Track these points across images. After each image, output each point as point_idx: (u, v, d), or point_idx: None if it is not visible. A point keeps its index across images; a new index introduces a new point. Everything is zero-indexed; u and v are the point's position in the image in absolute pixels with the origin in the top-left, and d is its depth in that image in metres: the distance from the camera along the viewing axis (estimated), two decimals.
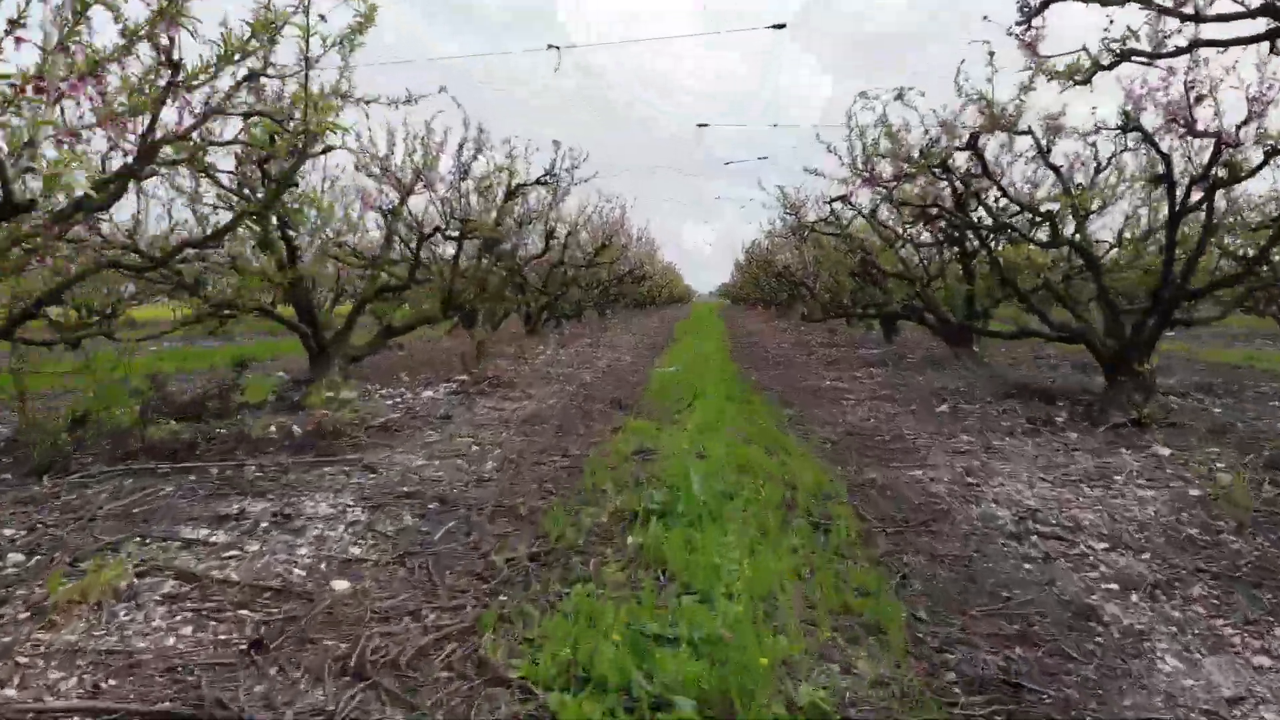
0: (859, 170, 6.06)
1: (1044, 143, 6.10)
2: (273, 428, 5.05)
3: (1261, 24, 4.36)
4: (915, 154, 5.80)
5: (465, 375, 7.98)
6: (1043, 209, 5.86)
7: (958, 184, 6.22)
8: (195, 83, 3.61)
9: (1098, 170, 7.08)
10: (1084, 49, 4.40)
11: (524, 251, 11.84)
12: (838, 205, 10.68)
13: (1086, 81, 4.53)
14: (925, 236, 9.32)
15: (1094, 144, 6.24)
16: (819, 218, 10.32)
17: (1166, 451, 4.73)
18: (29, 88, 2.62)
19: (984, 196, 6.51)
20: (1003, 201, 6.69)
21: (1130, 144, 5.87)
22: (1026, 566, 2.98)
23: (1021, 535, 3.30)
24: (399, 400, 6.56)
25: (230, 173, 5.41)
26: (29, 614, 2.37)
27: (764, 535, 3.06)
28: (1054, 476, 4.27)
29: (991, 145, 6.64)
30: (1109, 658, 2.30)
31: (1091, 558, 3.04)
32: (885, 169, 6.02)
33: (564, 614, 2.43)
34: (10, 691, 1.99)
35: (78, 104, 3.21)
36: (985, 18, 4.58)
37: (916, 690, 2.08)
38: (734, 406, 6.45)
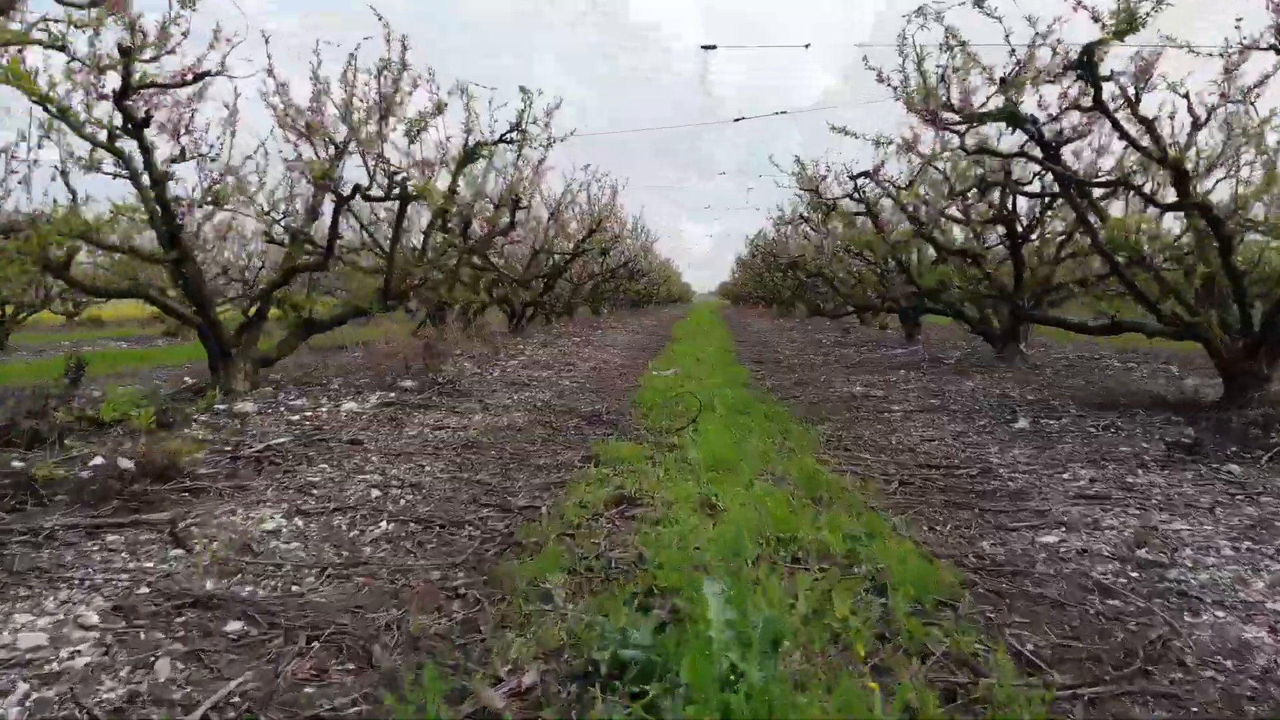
0: (918, 107, 4.52)
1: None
2: (84, 469, 3.48)
3: None
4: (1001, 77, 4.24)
5: (411, 381, 6.41)
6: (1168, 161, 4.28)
7: (1054, 126, 4.63)
8: None
9: (1205, 117, 5.48)
10: None
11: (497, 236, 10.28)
12: (863, 181, 9.15)
13: None
14: (976, 210, 7.74)
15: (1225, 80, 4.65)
16: (843, 193, 8.75)
17: None
18: None
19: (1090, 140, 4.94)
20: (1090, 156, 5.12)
21: None
22: None
23: None
24: (307, 416, 4.99)
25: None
26: None
27: None
28: (1276, 545, 2.70)
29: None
30: None
31: None
32: (953, 102, 4.46)
33: None
34: None
35: None
36: None
37: None
38: (749, 423, 4.89)
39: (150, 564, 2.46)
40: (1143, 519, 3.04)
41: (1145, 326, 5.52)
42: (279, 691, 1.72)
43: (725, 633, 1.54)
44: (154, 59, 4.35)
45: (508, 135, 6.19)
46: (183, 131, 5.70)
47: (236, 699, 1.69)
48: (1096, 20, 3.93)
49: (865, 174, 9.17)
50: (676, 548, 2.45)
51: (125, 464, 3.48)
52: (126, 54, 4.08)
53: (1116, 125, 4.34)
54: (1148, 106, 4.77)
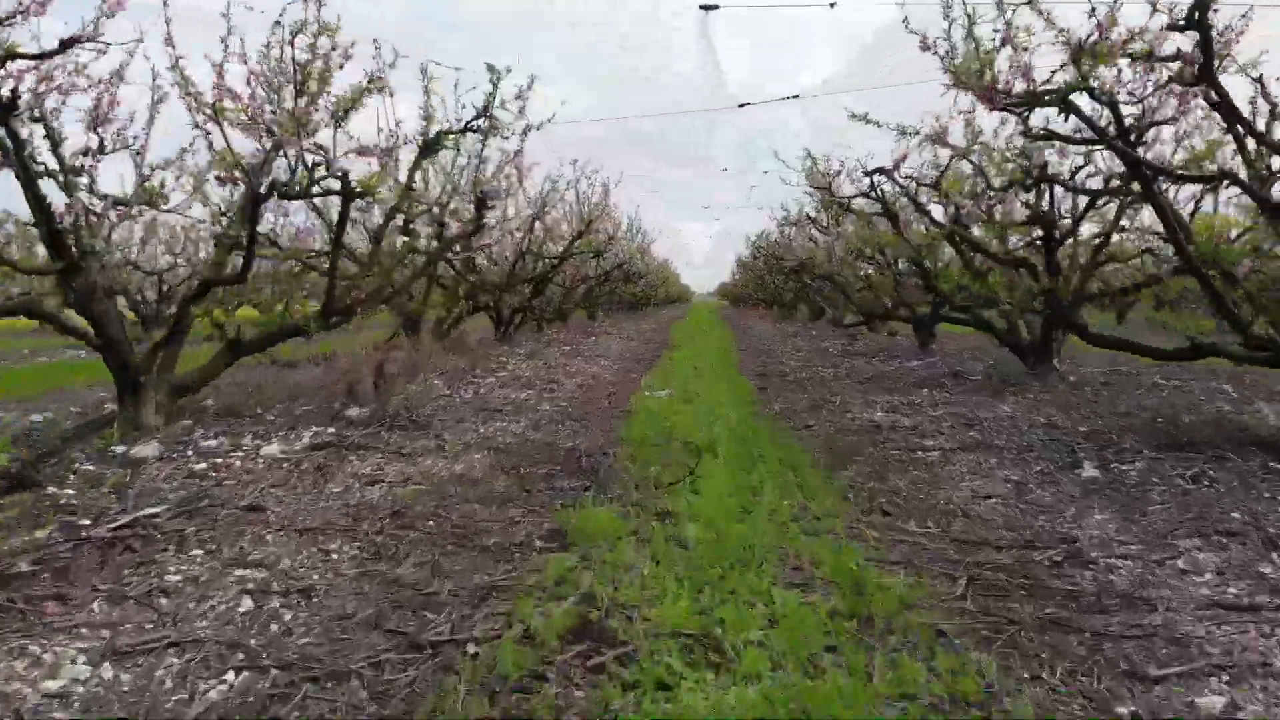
0: (969, 82, 3.60)
1: None
2: None
3: None
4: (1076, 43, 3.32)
5: (359, 409, 5.48)
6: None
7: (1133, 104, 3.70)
8: None
9: None
10: None
11: (483, 241, 9.35)
12: (879, 179, 8.23)
13: None
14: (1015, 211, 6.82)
15: None
16: (857, 191, 7.82)
17: None
18: None
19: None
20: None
21: None
22: None
23: None
24: (217, 463, 4.07)
25: None
26: None
27: None
28: None
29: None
30: None
31: None
32: (1009, 81, 3.55)
33: None
34: None
35: None
36: None
37: None
38: (760, 473, 3.97)
39: None
40: None
41: (1230, 352, 4.61)
42: None
43: None
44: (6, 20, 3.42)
45: (473, 123, 5.26)
46: (101, 120, 4.81)
47: None
48: None
49: (881, 170, 8.26)
50: None
51: None
52: None
53: (1227, 105, 3.43)
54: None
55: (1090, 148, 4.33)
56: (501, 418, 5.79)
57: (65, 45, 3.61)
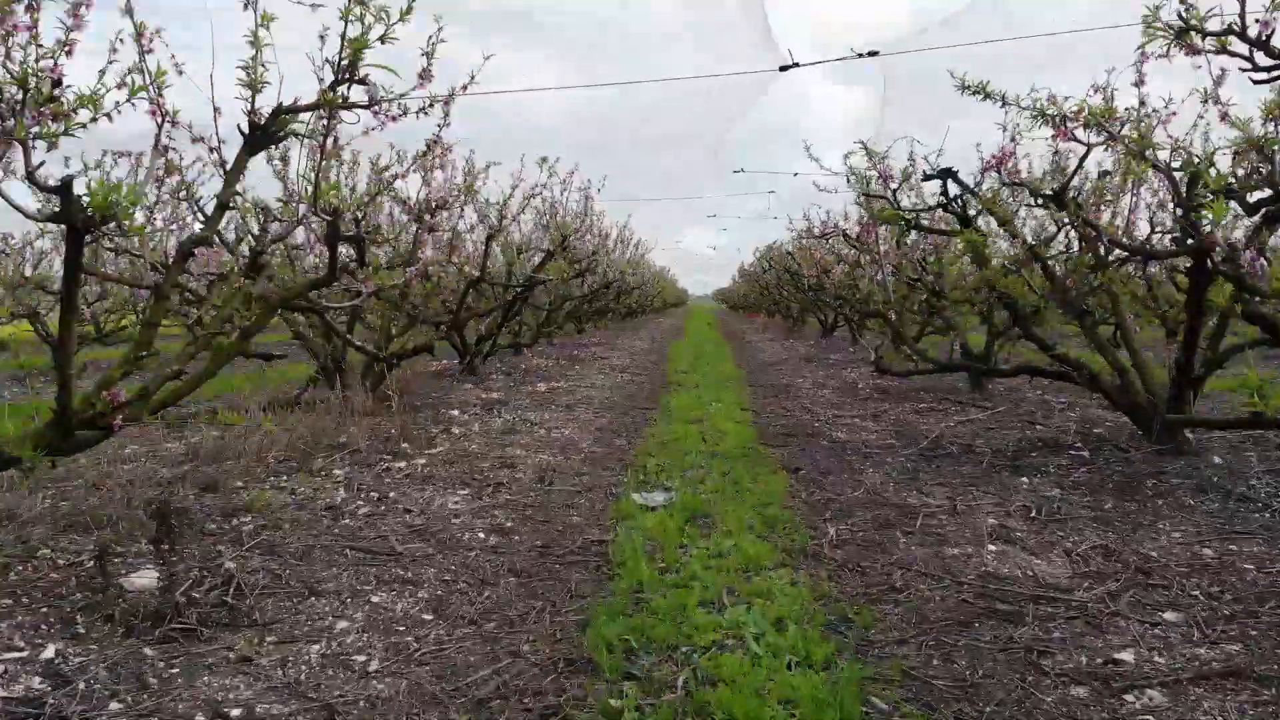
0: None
1: None
2: None
3: None
4: None
5: (152, 573, 3.25)
6: None
7: None
8: None
9: None
10: None
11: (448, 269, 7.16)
12: (952, 185, 5.99)
13: None
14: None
15: None
16: (930, 204, 5.60)
17: None
18: None
19: None
20: None
21: None
22: None
23: None
24: None
25: None
26: None
27: None
28: None
29: None
30: None
31: None
32: None
33: None
34: None
35: None
36: None
37: None
38: None
39: None
40: None
41: None
42: None
43: None
44: None
45: (333, 93, 3.06)
46: None
47: None
48: None
49: (948, 173, 6.04)
50: None
51: None
52: None
53: None
54: None
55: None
56: (392, 579, 3.55)
57: None
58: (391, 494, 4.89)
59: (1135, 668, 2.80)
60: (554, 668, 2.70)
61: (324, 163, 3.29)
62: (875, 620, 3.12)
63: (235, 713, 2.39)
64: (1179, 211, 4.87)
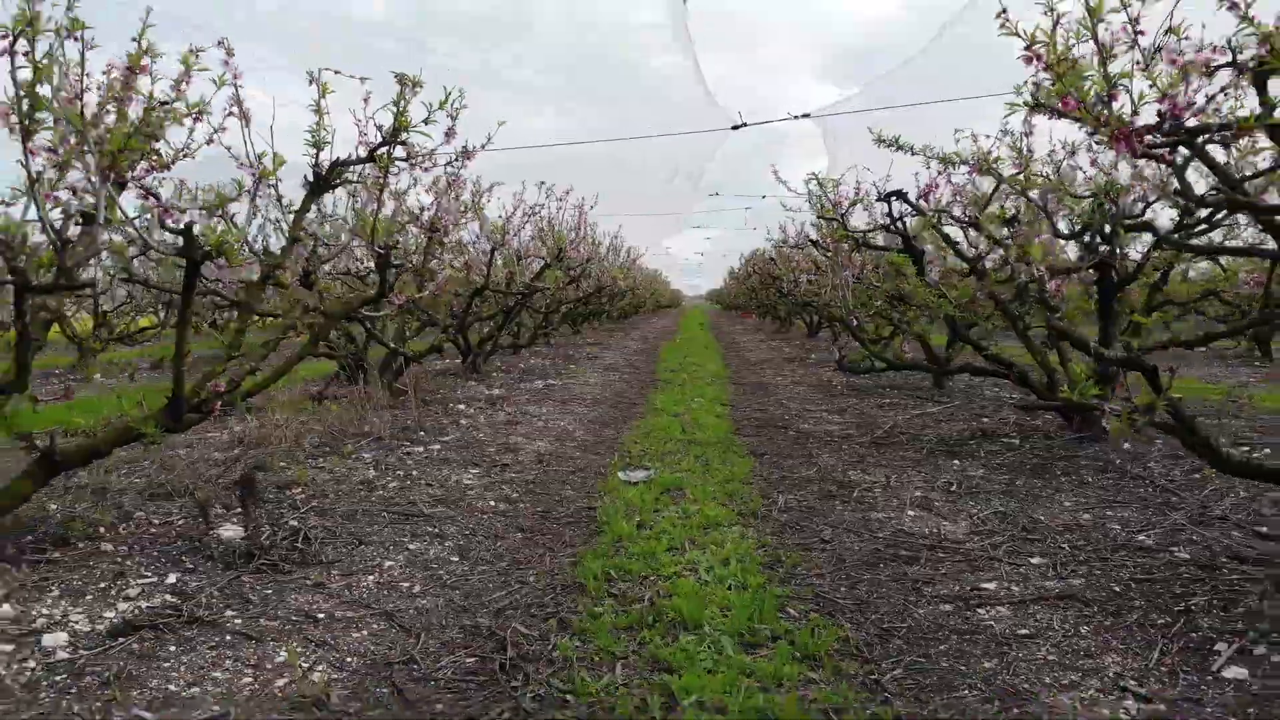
0: (1091, 113, 2.35)
1: None
2: None
3: None
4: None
5: (234, 529, 4.14)
6: None
7: None
8: None
9: None
10: None
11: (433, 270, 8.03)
12: (899, 206, 6.90)
13: None
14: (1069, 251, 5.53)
15: None
16: (876, 225, 6.51)
17: None
18: None
19: None
20: None
21: None
22: None
23: None
24: None
25: None
26: None
27: None
28: None
29: None
30: None
31: None
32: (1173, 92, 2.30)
33: None
34: None
35: None
36: None
37: None
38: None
39: None
40: None
41: None
42: None
43: None
44: None
45: (380, 149, 3.94)
46: None
47: None
48: None
49: (899, 194, 6.94)
50: None
51: None
52: None
53: None
54: None
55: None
56: (423, 533, 4.46)
57: None
58: (414, 472, 5.78)
59: (993, 593, 3.70)
60: (553, 591, 3.59)
61: (380, 209, 4.18)
62: (802, 561, 4.02)
63: (320, 615, 3.28)
64: (1087, 237, 5.78)
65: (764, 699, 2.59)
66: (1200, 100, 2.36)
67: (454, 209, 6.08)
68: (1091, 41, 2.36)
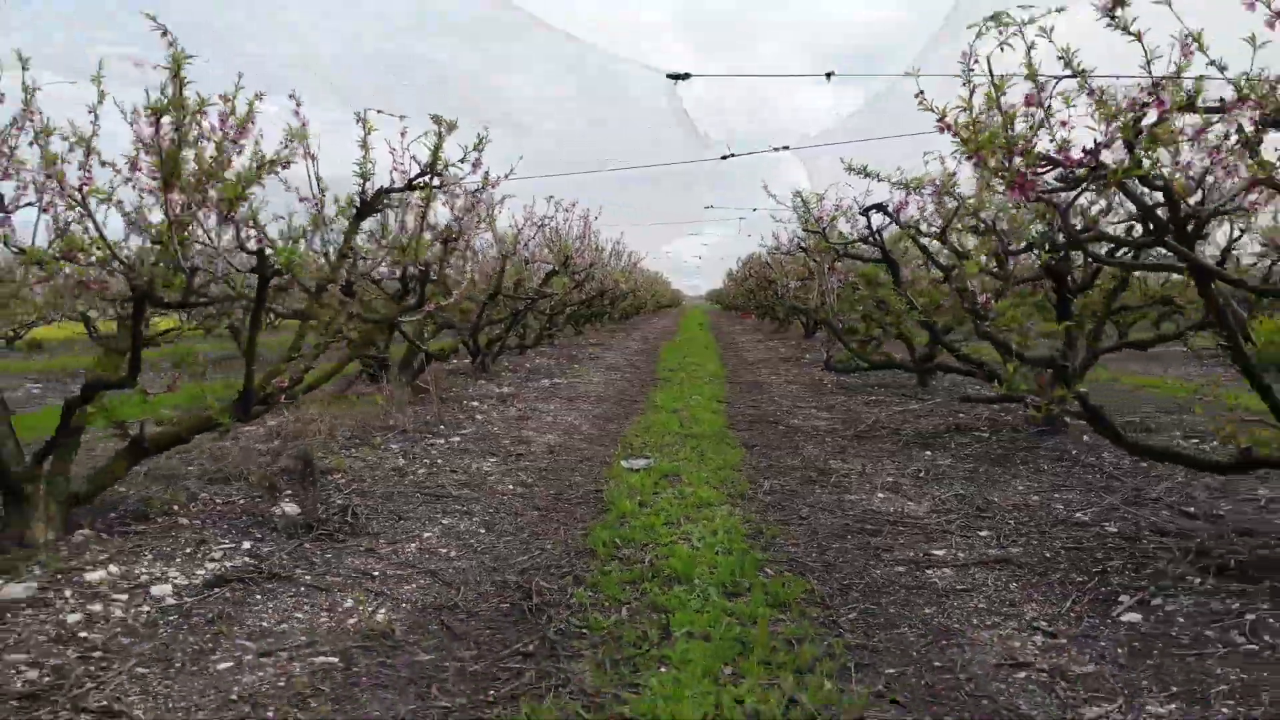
0: (995, 168, 2.98)
1: None
2: None
3: None
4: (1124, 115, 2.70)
5: (292, 505, 4.81)
6: None
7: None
8: None
9: None
10: None
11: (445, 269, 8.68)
12: (877, 217, 7.57)
13: None
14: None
15: None
16: (855, 236, 7.17)
17: None
18: None
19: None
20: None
21: None
22: None
23: None
24: (94, 613, 3.41)
25: None
26: None
27: None
28: None
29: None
30: None
31: None
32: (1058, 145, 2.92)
33: None
34: None
35: None
36: None
37: None
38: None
39: None
40: None
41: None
42: None
43: None
44: None
45: (418, 180, 4.61)
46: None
47: None
48: None
49: (879, 207, 7.59)
50: None
51: None
52: None
53: None
54: None
55: (1142, 250, 3.70)
56: (453, 508, 5.12)
57: None
58: (439, 461, 6.44)
59: (941, 558, 4.35)
60: (568, 555, 4.25)
61: (421, 231, 4.84)
62: (781, 533, 4.68)
63: (375, 573, 3.95)
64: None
65: (740, 630, 3.25)
66: (1082, 153, 3.01)
67: (472, 224, 6.73)
68: (998, 112, 3.01)
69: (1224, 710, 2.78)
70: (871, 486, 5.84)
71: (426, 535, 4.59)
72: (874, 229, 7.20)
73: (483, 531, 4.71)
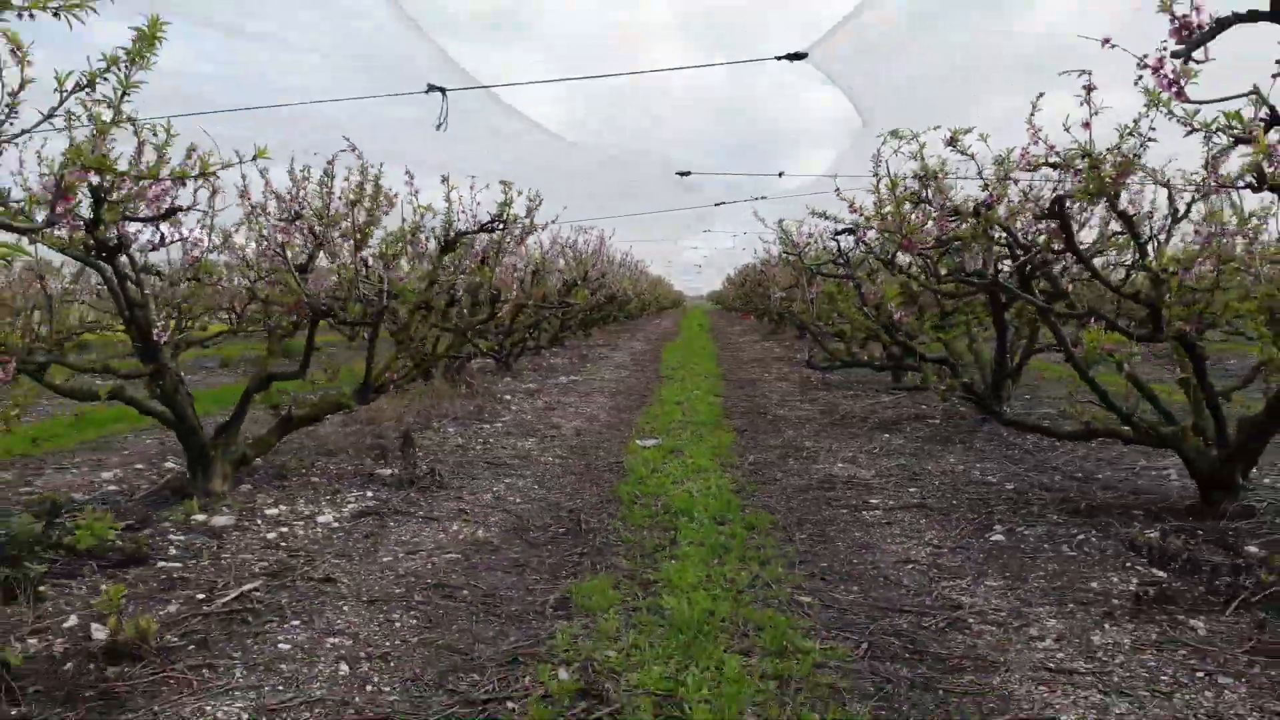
0: (888, 230, 4.55)
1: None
2: (26, 643, 3.50)
3: None
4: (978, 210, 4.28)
5: (391, 469, 6.41)
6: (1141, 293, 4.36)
7: (1015, 251, 4.69)
8: None
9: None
10: (1254, 91, 2.87)
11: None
12: (845, 240, 9.16)
13: (1248, 140, 3.00)
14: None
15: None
16: (828, 258, 8.77)
17: None
18: None
19: (1057, 267, 5.01)
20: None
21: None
22: None
23: None
24: (283, 531, 5.01)
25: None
26: None
27: None
28: None
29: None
30: None
31: None
32: (922, 228, 4.52)
33: None
34: None
35: None
36: (1107, 41, 3.02)
37: None
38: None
39: None
40: (1101, 700, 3.08)
41: (1120, 434, 5.56)
42: None
43: None
44: (125, 200, 4.30)
45: (490, 224, 6.21)
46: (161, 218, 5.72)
47: None
48: (1057, 169, 3.96)
49: (850, 231, 9.18)
50: None
51: (98, 631, 3.50)
52: (98, 200, 4.07)
53: (1089, 268, 4.39)
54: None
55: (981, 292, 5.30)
56: (510, 475, 6.72)
57: (170, 212, 4.52)
58: (490, 440, 8.04)
59: (875, 505, 5.94)
60: (602, 501, 5.85)
61: (496, 262, 6.46)
62: (759, 489, 6.28)
63: (467, 511, 5.54)
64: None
65: (724, 541, 4.85)
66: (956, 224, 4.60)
67: (511, 248, 8.31)
68: (892, 199, 4.61)
69: (1036, 585, 4.36)
70: (834, 459, 7.44)
71: (495, 489, 6.19)
72: (842, 250, 8.79)
73: (536, 487, 6.30)
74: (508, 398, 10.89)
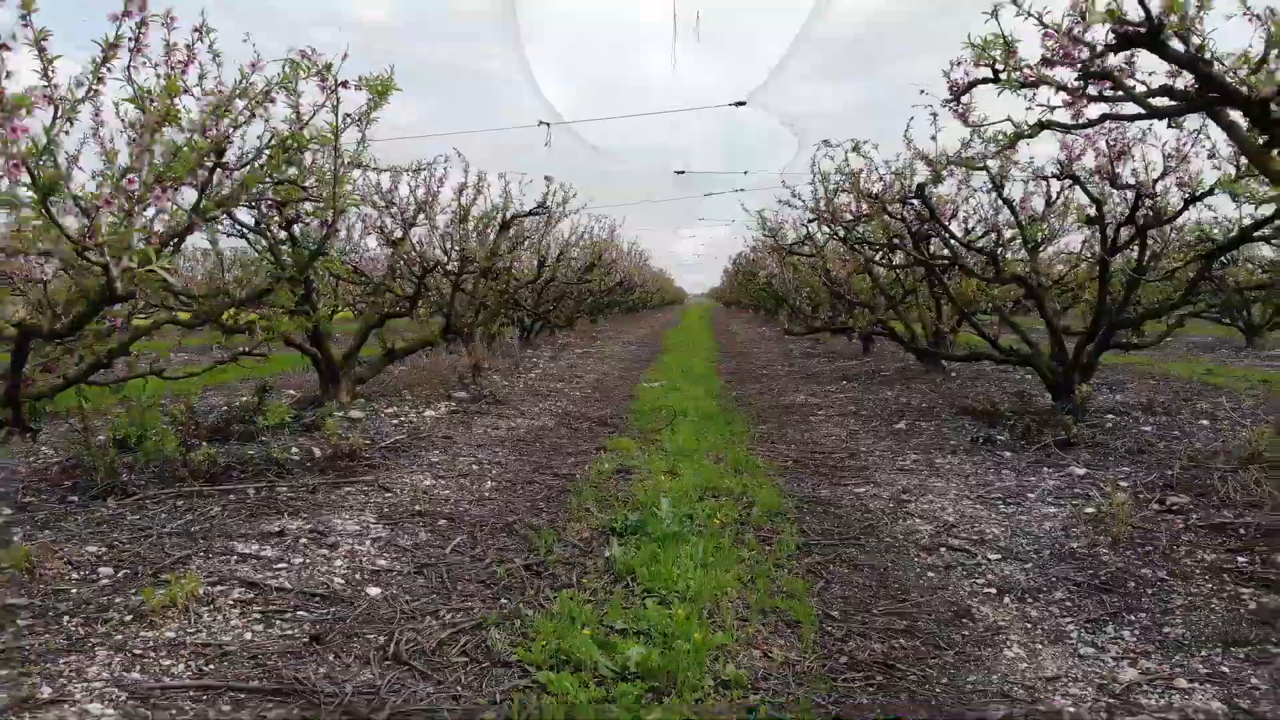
0: (820, 211, 6.71)
1: (998, 179, 6.85)
2: (295, 450, 5.69)
3: (1163, 101, 5.02)
4: (874, 195, 6.47)
5: (463, 392, 8.61)
6: (979, 245, 6.55)
7: (910, 225, 6.90)
8: (241, 167, 4.27)
9: (1047, 204, 7.77)
10: (1009, 119, 5.05)
11: (516, 267, 12.49)
12: (814, 227, 11.37)
13: (1011, 146, 5.19)
14: (899, 258, 9.95)
15: (1045, 183, 6.92)
16: (797, 239, 10.99)
17: (1082, 471, 5.40)
18: (118, 198, 3.26)
19: (935, 236, 7.19)
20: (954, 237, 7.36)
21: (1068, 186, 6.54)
22: (929, 574, 3.65)
23: (932, 548, 3.98)
24: (402, 421, 7.20)
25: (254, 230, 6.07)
26: (132, 617, 3.01)
27: None
28: (978, 494, 4.95)
29: (950, 183, 7.37)
30: (970, 647, 2.95)
31: (983, 567, 3.72)
32: (848, 207, 6.71)
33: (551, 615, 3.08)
34: (135, 675, 2.63)
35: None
36: (923, 92, 5.24)
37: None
38: (714, 429, 7.11)
39: (376, 500, 4.67)
40: (922, 481, 5.26)
41: (992, 356, 7.76)
42: (479, 542, 3.94)
43: None
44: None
45: (535, 210, 8.41)
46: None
47: (460, 548, 3.90)
48: (928, 162, 6.17)
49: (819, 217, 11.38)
50: None
51: (317, 451, 5.70)
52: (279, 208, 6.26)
53: (945, 228, 6.59)
54: None
55: (896, 250, 7.50)
56: (549, 398, 8.92)
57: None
58: (529, 381, 10.25)
59: (821, 416, 8.13)
60: (618, 411, 8.06)
61: (543, 241, 8.63)
62: (737, 407, 8.48)
63: (523, 413, 7.74)
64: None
65: (706, 425, 7.06)
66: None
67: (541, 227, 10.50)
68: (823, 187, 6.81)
69: (914, 444, 6.55)
70: (799, 394, 9.64)
71: (542, 405, 8.40)
72: (810, 235, 11.00)
73: (572, 407, 8.51)
74: (533, 360, 13.10)
